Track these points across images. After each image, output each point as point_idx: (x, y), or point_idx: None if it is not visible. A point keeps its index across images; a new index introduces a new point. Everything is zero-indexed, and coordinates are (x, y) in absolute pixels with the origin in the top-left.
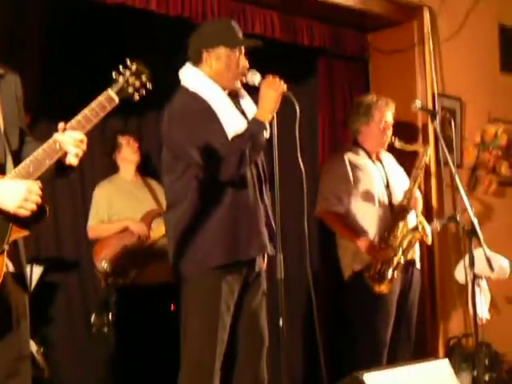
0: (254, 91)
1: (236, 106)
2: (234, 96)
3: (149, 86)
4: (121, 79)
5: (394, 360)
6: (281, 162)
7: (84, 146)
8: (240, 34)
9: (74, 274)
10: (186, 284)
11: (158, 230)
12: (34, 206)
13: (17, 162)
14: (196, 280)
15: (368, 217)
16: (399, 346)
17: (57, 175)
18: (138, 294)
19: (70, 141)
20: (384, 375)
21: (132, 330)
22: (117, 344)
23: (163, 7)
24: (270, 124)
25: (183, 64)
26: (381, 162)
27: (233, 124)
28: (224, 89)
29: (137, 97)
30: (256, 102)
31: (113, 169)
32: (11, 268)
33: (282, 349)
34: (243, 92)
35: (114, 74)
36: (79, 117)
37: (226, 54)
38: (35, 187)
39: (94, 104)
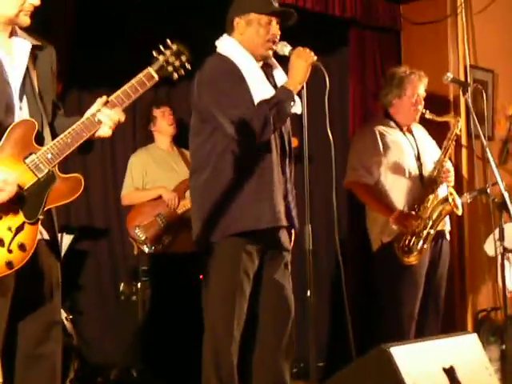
0: (284, 63)
1: (268, 77)
2: (267, 67)
3: (188, 66)
4: (161, 58)
5: (421, 333)
6: (310, 133)
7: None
8: (275, 3)
9: (103, 243)
10: (206, 249)
11: (188, 200)
12: (6, 196)
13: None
14: (215, 246)
15: (398, 188)
16: (427, 319)
17: (78, 153)
18: (169, 263)
19: (109, 117)
20: (411, 348)
21: (161, 299)
22: (145, 312)
23: None
24: (300, 94)
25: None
26: (412, 134)
27: (260, 91)
28: (256, 58)
29: (176, 76)
30: (287, 73)
31: (144, 139)
32: (45, 235)
33: (310, 320)
34: (276, 63)
35: (154, 52)
36: (119, 92)
37: (257, 20)
38: (11, 178)
39: (133, 81)
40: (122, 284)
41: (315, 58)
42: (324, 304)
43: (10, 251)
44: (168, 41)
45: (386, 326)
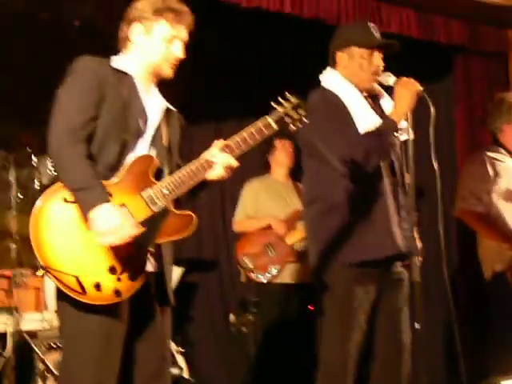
0: (389, 93)
1: (375, 107)
2: (373, 97)
3: (305, 120)
4: (281, 110)
5: None
6: (417, 163)
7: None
8: (376, 35)
9: (213, 274)
10: (322, 282)
11: (298, 232)
12: (115, 241)
13: None
14: (331, 278)
15: (508, 215)
16: None
17: (190, 195)
18: (276, 293)
19: (222, 162)
20: None
21: (271, 330)
22: (256, 343)
23: (297, 9)
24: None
25: (319, 67)
26: None
27: (365, 121)
28: (360, 90)
29: (293, 128)
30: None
31: (252, 169)
32: (154, 268)
33: (418, 353)
34: (382, 91)
35: (273, 103)
36: (237, 137)
37: (359, 54)
38: (127, 225)
39: (252, 128)
40: (232, 315)
41: (420, 87)
42: (437, 335)
43: (119, 280)
44: (287, 93)
45: (500, 356)
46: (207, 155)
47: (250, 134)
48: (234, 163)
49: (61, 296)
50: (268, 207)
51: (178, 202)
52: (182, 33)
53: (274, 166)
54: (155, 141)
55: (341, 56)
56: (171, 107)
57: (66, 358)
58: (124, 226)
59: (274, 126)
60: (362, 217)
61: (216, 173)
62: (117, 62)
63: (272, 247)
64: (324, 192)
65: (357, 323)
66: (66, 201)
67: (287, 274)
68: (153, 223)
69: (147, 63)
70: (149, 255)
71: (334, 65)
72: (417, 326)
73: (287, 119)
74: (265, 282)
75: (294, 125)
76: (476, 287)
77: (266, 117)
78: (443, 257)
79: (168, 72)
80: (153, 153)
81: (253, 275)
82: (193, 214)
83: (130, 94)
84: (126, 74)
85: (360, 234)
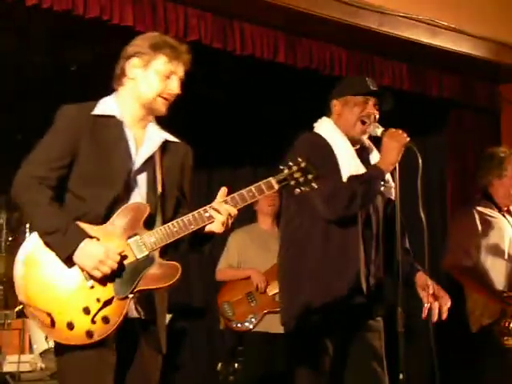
0: (376, 145)
1: (363, 160)
2: (363, 150)
3: (314, 185)
4: (286, 171)
5: None
6: (406, 216)
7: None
8: (372, 85)
9: (201, 322)
10: (290, 327)
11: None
12: (107, 270)
13: None
14: (299, 323)
15: (497, 270)
16: None
17: (190, 248)
18: (259, 341)
19: (223, 212)
20: None
21: (257, 378)
22: None
23: (291, 59)
24: (393, 177)
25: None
26: (511, 215)
27: (350, 169)
28: (350, 140)
29: (298, 191)
30: None
31: (242, 218)
32: (142, 315)
33: None
34: (372, 146)
35: (281, 166)
36: (236, 194)
37: (353, 101)
38: (112, 252)
39: (253, 187)
40: (220, 364)
41: (408, 139)
42: None
43: (93, 321)
44: (299, 158)
45: None
46: (203, 208)
47: (249, 192)
48: (232, 212)
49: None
50: (252, 257)
51: (166, 253)
52: (179, 69)
53: (259, 215)
54: (147, 175)
55: (336, 103)
56: (174, 139)
57: None
58: (109, 250)
59: (276, 186)
60: (333, 264)
61: (214, 226)
62: (104, 104)
63: (254, 296)
64: (298, 236)
65: (324, 373)
66: None
67: (269, 324)
68: (136, 270)
69: (141, 99)
70: (134, 302)
71: (329, 114)
72: (401, 376)
73: (292, 182)
74: (242, 330)
75: (299, 188)
76: (463, 339)
77: (270, 179)
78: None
79: (162, 108)
80: (141, 186)
81: (231, 323)
82: (178, 265)
83: (116, 137)
84: (113, 117)
85: (330, 280)
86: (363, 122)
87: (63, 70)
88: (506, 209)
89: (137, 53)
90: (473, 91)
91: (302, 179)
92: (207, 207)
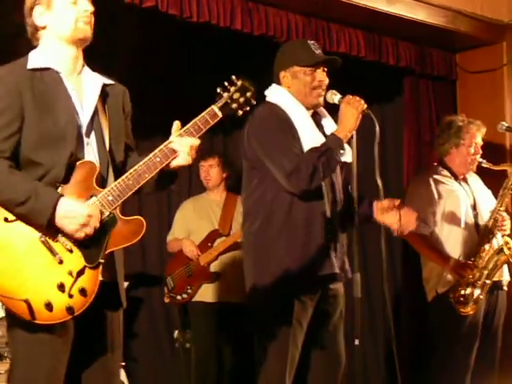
0: (334, 111)
1: (317, 126)
2: (316, 116)
3: (253, 101)
4: (225, 95)
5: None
6: (362, 182)
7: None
8: (318, 52)
9: (158, 289)
10: (259, 297)
11: (213, 252)
12: (91, 231)
13: (119, 176)
14: (268, 293)
15: (453, 238)
16: (483, 370)
17: (157, 186)
18: (201, 312)
19: (184, 144)
20: None
21: (206, 347)
22: (198, 360)
23: (248, 26)
24: (350, 143)
25: (268, 84)
26: (467, 183)
27: (310, 139)
28: (306, 106)
29: (240, 113)
30: (336, 121)
31: (200, 188)
32: (106, 278)
33: (357, 369)
34: (325, 112)
35: (218, 89)
36: (182, 131)
37: (302, 72)
38: (96, 212)
39: (197, 119)
40: (176, 331)
41: (365, 105)
42: (380, 352)
43: (70, 296)
44: (233, 77)
45: (441, 377)
46: (171, 144)
47: (195, 125)
48: (195, 142)
49: (10, 319)
50: (196, 228)
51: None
52: None
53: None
54: (93, 125)
55: (284, 75)
56: (110, 81)
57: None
58: (92, 207)
59: (219, 113)
60: (300, 233)
61: (181, 158)
62: (36, 56)
63: (190, 268)
64: (262, 207)
65: (294, 340)
66: (6, 220)
67: (207, 293)
68: (101, 232)
69: (64, 36)
70: (100, 267)
71: (278, 83)
72: (356, 342)
73: (234, 104)
74: (181, 302)
75: (241, 109)
76: (419, 307)
77: (212, 107)
78: (385, 276)
79: (86, 32)
80: (92, 138)
81: (171, 295)
82: (141, 219)
83: (57, 91)
84: (47, 69)
85: (295, 253)
86: (317, 90)
87: None
88: (462, 177)
89: (34, 2)
90: (429, 60)
91: (242, 99)
92: (167, 143)
